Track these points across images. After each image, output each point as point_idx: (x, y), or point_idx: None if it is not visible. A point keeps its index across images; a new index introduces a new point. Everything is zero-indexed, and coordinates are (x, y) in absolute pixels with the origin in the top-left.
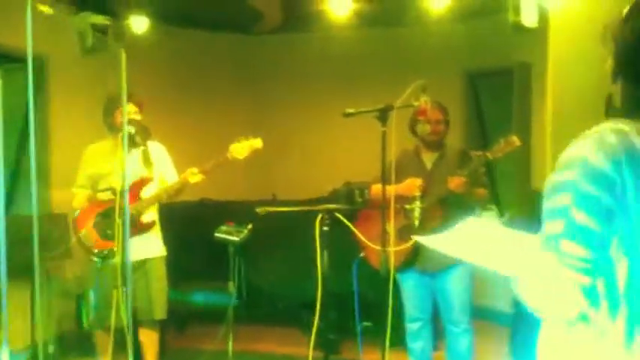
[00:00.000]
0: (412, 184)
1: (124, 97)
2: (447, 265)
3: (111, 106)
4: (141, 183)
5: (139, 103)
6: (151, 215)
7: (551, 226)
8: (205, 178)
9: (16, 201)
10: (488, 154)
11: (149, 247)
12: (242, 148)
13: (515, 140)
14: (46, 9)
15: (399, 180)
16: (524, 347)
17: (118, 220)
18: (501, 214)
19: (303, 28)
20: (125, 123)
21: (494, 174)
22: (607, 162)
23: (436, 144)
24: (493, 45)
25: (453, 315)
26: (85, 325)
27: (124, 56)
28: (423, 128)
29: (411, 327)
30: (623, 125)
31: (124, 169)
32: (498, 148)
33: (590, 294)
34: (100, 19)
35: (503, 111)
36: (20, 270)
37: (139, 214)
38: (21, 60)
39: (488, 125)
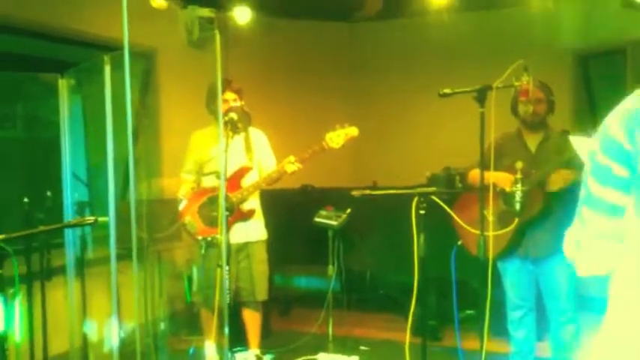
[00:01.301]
0: (506, 179)
1: (219, 83)
2: (551, 251)
3: (212, 94)
4: (241, 172)
5: (238, 90)
6: (251, 203)
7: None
8: (303, 167)
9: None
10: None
11: (251, 231)
12: (338, 137)
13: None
14: (158, 4)
15: (500, 163)
16: None
17: (220, 204)
18: None
19: (402, 13)
20: (219, 109)
21: None
22: (623, 134)
23: (538, 125)
24: (604, 23)
25: (558, 303)
26: (189, 302)
27: (218, 40)
28: (525, 109)
29: (513, 315)
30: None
31: (224, 155)
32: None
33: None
34: (205, 12)
35: (616, 93)
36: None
37: (240, 202)
38: (133, 53)
39: (599, 108)
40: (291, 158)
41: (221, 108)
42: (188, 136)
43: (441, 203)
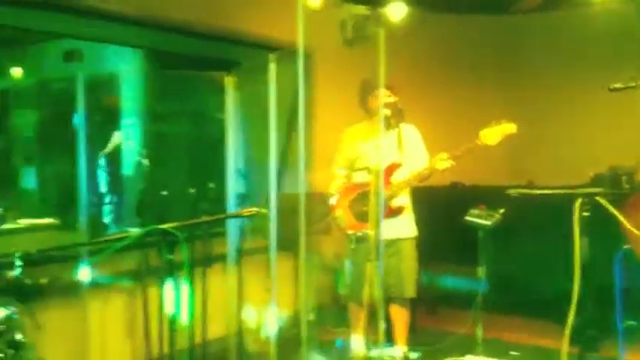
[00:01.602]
0: None
1: (381, 80)
2: None
3: (364, 90)
4: (392, 168)
5: (390, 86)
6: (401, 199)
7: None
8: (455, 164)
9: (284, 180)
10: None
11: (400, 227)
12: (494, 134)
13: None
14: (312, 4)
15: None
16: None
17: (372, 199)
18: None
19: (562, 6)
20: (381, 106)
21: None
22: None
23: None
24: None
25: None
26: (340, 294)
27: (382, 37)
28: None
29: None
30: None
31: (378, 151)
32: None
33: None
34: (360, 10)
35: None
36: (287, 243)
37: (390, 198)
38: (291, 52)
39: None
40: (443, 155)
41: (382, 103)
42: (340, 132)
43: (607, 205)
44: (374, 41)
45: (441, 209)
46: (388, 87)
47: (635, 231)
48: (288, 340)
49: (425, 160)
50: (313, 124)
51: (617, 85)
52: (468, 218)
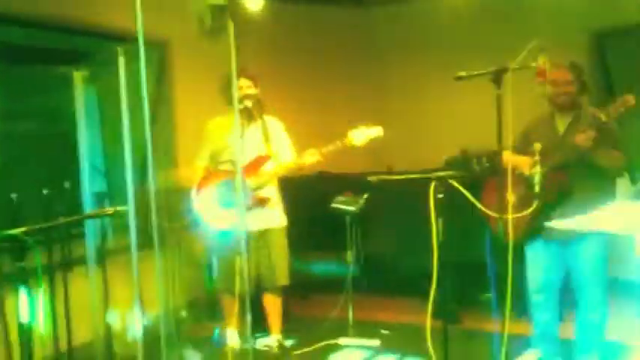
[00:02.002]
0: (525, 162)
1: (234, 71)
2: (578, 233)
3: (227, 82)
4: (260, 160)
5: (252, 77)
6: (268, 190)
7: None
8: (323, 160)
9: (148, 175)
10: (602, 115)
11: (269, 218)
12: (361, 136)
13: (630, 99)
14: None
15: (531, 145)
16: None
17: (238, 193)
18: (634, 181)
19: None
20: (235, 98)
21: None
22: None
23: (567, 106)
24: (620, 1)
25: (586, 286)
26: (209, 289)
27: (232, 29)
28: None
29: (537, 298)
30: None
31: (239, 143)
32: (613, 107)
33: None
34: (217, 0)
35: (634, 73)
36: (153, 240)
37: (256, 188)
38: (145, 42)
39: (616, 89)
40: (312, 151)
41: (236, 95)
42: (203, 124)
43: (460, 187)
44: (234, 32)
45: (309, 198)
46: (250, 77)
47: (482, 208)
48: (158, 340)
49: (291, 153)
50: (174, 117)
51: (462, 74)
52: (334, 205)
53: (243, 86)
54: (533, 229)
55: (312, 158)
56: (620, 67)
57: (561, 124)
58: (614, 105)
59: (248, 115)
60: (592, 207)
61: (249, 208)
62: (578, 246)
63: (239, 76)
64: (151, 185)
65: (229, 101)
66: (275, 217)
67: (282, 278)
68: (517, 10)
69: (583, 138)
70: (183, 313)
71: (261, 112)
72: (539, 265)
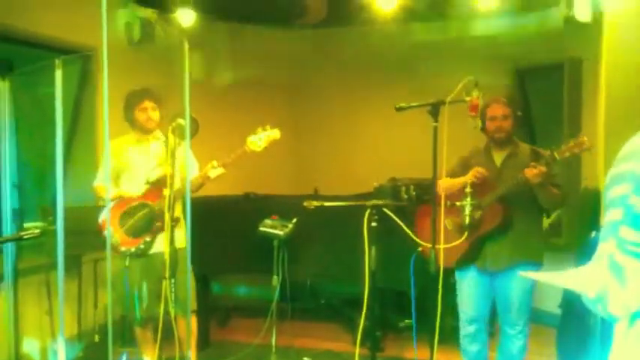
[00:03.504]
0: (476, 171)
1: (187, 87)
2: (511, 265)
3: (131, 102)
4: (163, 179)
5: (157, 99)
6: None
7: (612, 214)
8: (243, 173)
9: (66, 192)
10: (556, 154)
11: (178, 238)
12: (259, 140)
13: (586, 142)
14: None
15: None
16: (570, 348)
17: (166, 215)
18: (548, 215)
19: (348, 21)
20: (187, 113)
21: None
22: None
23: (503, 141)
24: (544, 40)
25: (511, 316)
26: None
27: (186, 47)
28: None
29: (468, 329)
30: None
31: (173, 163)
32: (566, 148)
33: None
34: (147, 12)
35: (554, 108)
36: (69, 261)
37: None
38: (72, 52)
39: (537, 122)
40: (214, 163)
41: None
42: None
43: (394, 217)
44: (162, 45)
45: (234, 219)
46: (155, 100)
47: (414, 237)
48: None
49: (195, 169)
50: (99, 131)
51: (402, 105)
52: (261, 229)
53: (148, 107)
54: (468, 259)
55: (215, 172)
56: (542, 102)
57: (498, 158)
58: (567, 145)
59: (180, 134)
60: (528, 238)
61: (158, 231)
62: (508, 277)
63: (143, 98)
64: (59, 203)
65: (130, 122)
66: (180, 239)
67: (193, 302)
68: (446, 42)
69: (534, 173)
70: (97, 338)
71: (194, 131)
72: (472, 295)
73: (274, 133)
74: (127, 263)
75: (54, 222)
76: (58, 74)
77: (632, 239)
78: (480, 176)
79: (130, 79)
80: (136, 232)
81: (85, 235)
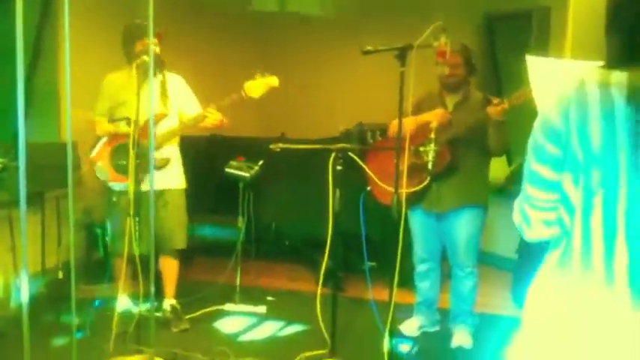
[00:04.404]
0: (438, 113)
1: (151, 25)
2: (455, 207)
3: (130, 36)
4: (155, 118)
5: (158, 35)
6: (167, 151)
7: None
8: (223, 119)
9: (27, 128)
10: (506, 101)
11: (168, 179)
12: (257, 87)
13: (530, 92)
14: None
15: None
16: (526, 291)
17: (131, 152)
18: (510, 163)
19: None
20: (151, 53)
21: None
22: (556, 113)
23: (455, 87)
24: None
25: (459, 258)
26: (101, 255)
27: None
28: (442, 70)
29: (420, 267)
30: (587, 75)
31: (138, 100)
32: (515, 96)
33: (552, 224)
34: None
35: (520, 55)
36: (33, 197)
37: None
38: None
39: (503, 69)
40: (211, 109)
41: (152, 51)
42: (95, 76)
43: (358, 160)
44: None
45: (200, 160)
46: (156, 35)
47: (379, 182)
48: (37, 301)
49: (195, 107)
50: (60, 67)
51: (369, 48)
52: (227, 170)
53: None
54: (415, 200)
55: (213, 116)
56: (509, 50)
57: (450, 102)
58: (516, 94)
59: (145, 71)
60: (472, 182)
61: (145, 170)
62: (453, 219)
63: (142, 34)
64: (21, 139)
65: (128, 56)
66: (174, 179)
67: (180, 241)
68: None
69: (497, 110)
70: (60, 274)
71: (160, 70)
72: (421, 236)
73: (273, 80)
74: (114, 199)
75: (15, 158)
76: (18, 5)
77: (531, 194)
78: (445, 120)
79: (93, 12)
80: (123, 170)
81: (47, 171)
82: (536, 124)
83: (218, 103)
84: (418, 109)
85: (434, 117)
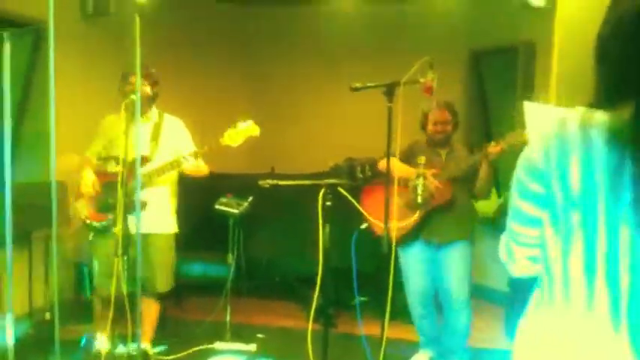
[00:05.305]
0: (411, 173)
1: (138, 64)
2: (454, 238)
3: (124, 76)
4: (142, 160)
5: (147, 74)
6: (150, 193)
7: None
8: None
9: (16, 168)
10: (502, 143)
11: (153, 222)
12: (237, 135)
13: (523, 134)
14: None
15: (413, 162)
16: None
17: (119, 191)
18: (499, 195)
19: (302, 0)
20: (137, 90)
21: None
22: (540, 154)
23: (444, 142)
24: (499, 23)
25: (454, 289)
26: (88, 295)
27: (138, 22)
28: (428, 106)
29: (419, 309)
30: (569, 113)
31: (126, 139)
32: (511, 136)
33: (537, 261)
34: None
35: (507, 90)
36: (20, 237)
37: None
38: (23, 25)
39: (490, 104)
40: (189, 155)
41: (139, 87)
42: (81, 114)
43: (348, 196)
44: (116, 20)
45: (188, 197)
46: (143, 75)
47: (369, 217)
48: (24, 343)
49: (190, 144)
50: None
51: (357, 85)
52: (217, 207)
53: (134, 83)
54: (415, 232)
55: (187, 163)
56: (495, 84)
57: (441, 152)
58: (514, 134)
59: (133, 110)
60: (465, 218)
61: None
62: (450, 250)
63: (133, 73)
64: (7, 177)
65: (124, 95)
66: (159, 223)
67: (162, 284)
68: (402, 24)
69: (496, 150)
70: (48, 315)
71: (146, 108)
72: (419, 270)
73: (253, 130)
74: (90, 237)
75: (2, 198)
76: (6, 48)
77: (516, 230)
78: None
79: (83, 54)
80: (102, 208)
81: (35, 210)
82: (520, 161)
83: (196, 151)
84: (410, 156)
85: (409, 174)
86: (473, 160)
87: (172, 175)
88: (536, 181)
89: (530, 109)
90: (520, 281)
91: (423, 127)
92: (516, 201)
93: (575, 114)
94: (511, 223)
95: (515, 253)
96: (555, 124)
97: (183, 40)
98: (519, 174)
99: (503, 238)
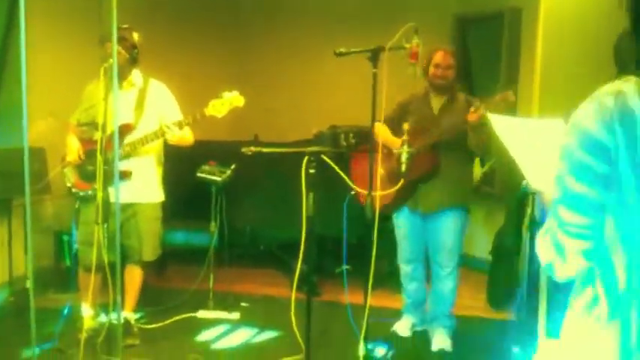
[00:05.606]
0: (394, 143)
1: (114, 29)
2: (440, 207)
3: (102, 40)
4: (122, 129)
5: (121, 38)
6: (135, 163)
7: (555, 192)
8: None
9: None
10: (483, 107)
11: (138, 191)
12: (222, 106)
13: (511, 95)
14: None
15: (405, 120)
16: (499, 293)
17: (99, 158)
18: (483, 164)
19: None
20: (115, 61)
21: None
22: (602, 129)
23: (444, 89)
24: None
25: (442, 258)
26: (68, 263)
27: None
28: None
29: (406, 268)
30: (624, 85)
31: (105, 105)
32: (493, 101)
33: (592, 256)
34: None
35: (492, 57)
36: None
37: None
38: None
39: (475, 71)
40: (173, 124)
41: (115, 59)
42: (57, 80)
43: (332, 163)
44: None
45: (170, 164)
46: (120, 39)
47: (352, 184)
48: (4, 311)
49: (177, 116)
50: (28, 75)
51: (342, 50)
52: (199, 174)
53: (107, 48)
54: (400, 201)
55: (171, 133)
56: (480, 51)
57: (435, 104)
58: (494, 98)
59: (112, 76)
60: (457, 184)
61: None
62: (438, 220)
63: (109, 38)
64: None
65: (102, 60)
66: (145, 192)
67: (148, 253)
68: None
69: (476, 117)
70: (28, 284)
71: (129, 71)
72: (405, 236)
73: (238, 100)
74: (76, 206)
75: None
76: None
77: (570, 220)
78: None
79: (62, 20)
80: (88, 177)
81: (15, 178)
82: (573, 140)
83: (180, 121)
84: (404, 112)
85: (392, 144)
86: (454, 126)
87: (158, 144)
88: (602, 160)
89: (497, 121)
90: (501, 249)
91: (425, 72)
92: (573, 185)
93: (630, 85)
94: (563, 212)
95: (567, 248)
96: (611, 97)
97: (166, 7)
98: (577, 154)
99: (544, 236)
